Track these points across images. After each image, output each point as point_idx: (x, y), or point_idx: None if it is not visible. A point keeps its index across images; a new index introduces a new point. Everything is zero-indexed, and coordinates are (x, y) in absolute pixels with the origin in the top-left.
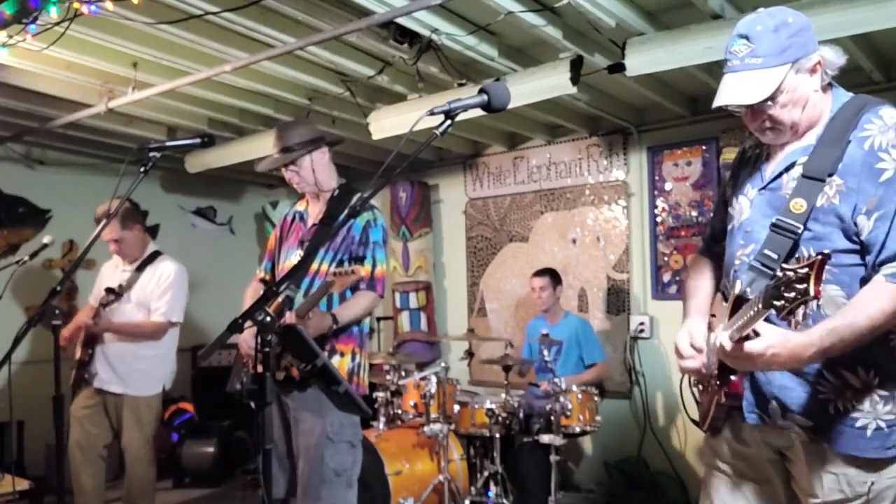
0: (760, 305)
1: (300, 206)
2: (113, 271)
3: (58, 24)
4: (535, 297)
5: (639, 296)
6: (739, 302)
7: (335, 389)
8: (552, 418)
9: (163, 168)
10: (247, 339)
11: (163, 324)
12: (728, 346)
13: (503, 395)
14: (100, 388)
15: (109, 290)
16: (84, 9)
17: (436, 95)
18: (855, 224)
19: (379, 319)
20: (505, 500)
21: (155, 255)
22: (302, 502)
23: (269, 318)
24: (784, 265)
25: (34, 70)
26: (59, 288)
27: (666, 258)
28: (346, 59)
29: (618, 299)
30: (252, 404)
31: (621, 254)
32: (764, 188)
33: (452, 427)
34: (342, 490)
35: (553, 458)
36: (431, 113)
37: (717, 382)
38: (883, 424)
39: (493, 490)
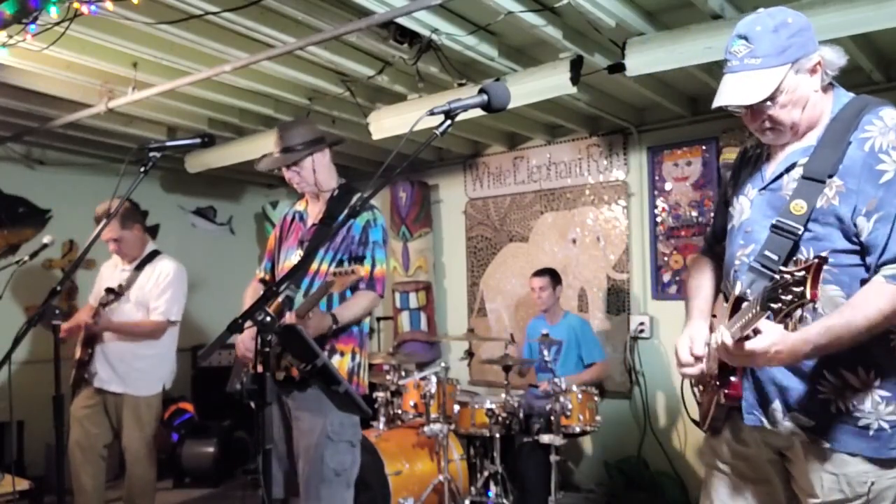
0: (758, 308)
1: (300, 206)
2: (112, 271)
3: (58, 24)
4: (534, 296)
5: (639, 296)
6: (739, 303)
7: (335, 389)
8: (552, 418)
9: (163, 168)
10: (244, 340)
11: (161, 322)
12: (730, 343)
13: (503, 395)
14: (100, 387)
15: (110, 290)
16: (84, 9)
17: (436, 95)
18: (855, 225)
19: (379, 319)
20: (505, 500)
21: (154, 255)
22: (302, 502)
23: (269, 318)
24: (782, 268)
25: (34, 70)
26: (59, 288)
27: (666, 258)
28: (346, 59)
29: (618, 299)
30: (252, 404)
31: (621, 254)
32: (764, 188)
33: (452, 427)
34: (341, 490)
35: (553, 458)
36: (431, 113)
37: (717, 383)
38: (886, 425)
39: (493, 490)
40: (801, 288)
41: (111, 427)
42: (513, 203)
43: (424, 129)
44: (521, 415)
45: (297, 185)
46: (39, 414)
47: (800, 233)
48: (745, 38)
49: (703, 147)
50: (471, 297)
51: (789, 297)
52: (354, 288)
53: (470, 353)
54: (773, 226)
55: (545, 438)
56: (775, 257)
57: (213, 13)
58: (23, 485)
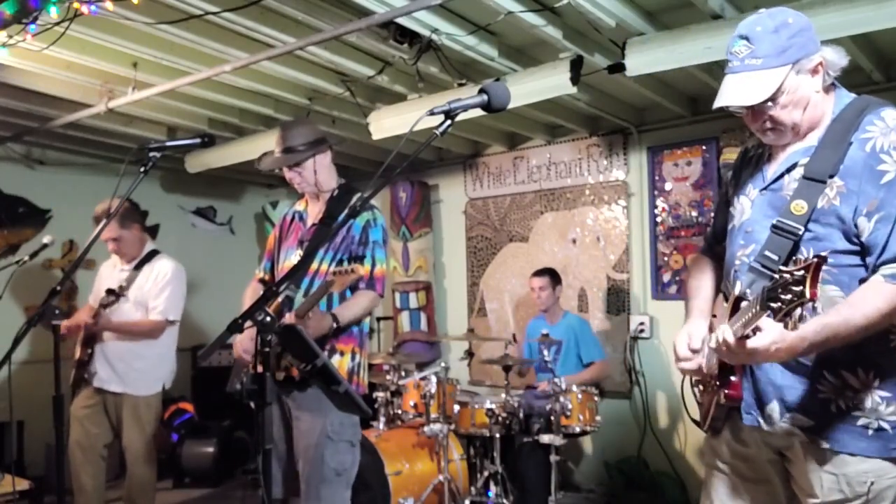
0: (758, 307)
1: (299, 206)
2: (111, 271)
3: (58, 24)
4: (534, 296)
5: (639, 296)
6: (739, 303)
7: (335, 389)
8: (552, 418)
9: (163, 168)
10: (242, 341)
11: (160, 322)
12: (731, 341)
13: (503, 395)
14: (99, 387)
15: (110, 292)
16: (84, 9)
17: (436, 95)
18: (856, 226)
19: (379, 319)
20: (505, 500)
21: (153, 254)
22: (302, 502)
23: (268, 318)
24: (781, 267)
25: (34, 70)
26: (59, 288)
27: (666, 258)
28: (346, 59)
29: (618, 299)
30: (252, 404)
31: (621, 254)
32: (765, 188)
33: (452, 427)
34: (341, 490)
35: (553, 458)
36: (431, 113)
37: (717, 383)
38: (886, 426)
39: (493, 490)
40: (801, 287)
41: (111, 427)
42: (513, 203)
43: (424, 129)
44: (521, 415)
45: (298, 185)
46: (39, 414)
47: (800, 233)
48: (747, 39)
49: (703, 147)
50: (471, 297)
51: (789, 297)
52: (354, 288)
53: (470, 353)
54: (774, 226)
55: (545, 438)
56: (775, 257)
57: (213, 13)
58: (23, 485)
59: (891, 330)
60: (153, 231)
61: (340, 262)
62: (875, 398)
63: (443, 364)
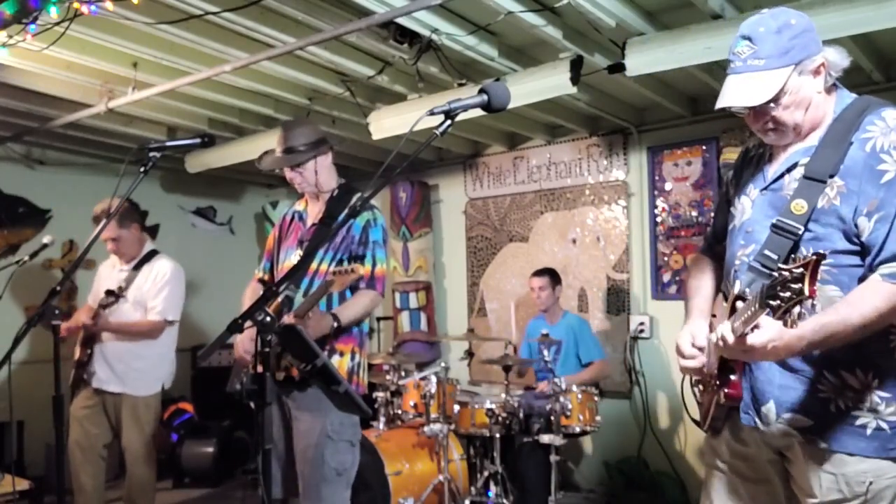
0: (757, 305)
1: (299, 206)
2: (110, 271)
3: (58, 24)
4: (534, 296)
5: (639, 296)
6: (738, 302)
7: (335, 389)
8: (552, 418)
9: (163, 168)
10: (242, 341)
11: (159, 322)
12: (731, 339)
13: (503, 395)
14: (98, 387)
15: (109, 292)
16: (84, 9)
17: (436, 95)
18: (856, 225)
19: (379, 319)
20: (505, 500)
21: (152, 254)
22: (302, 502)
23: (268, 319)
24: (780, 265)
25: (34, 70)
26: (59, 288)
27: (666, 258)
28: (346, 59)
29: (618, 299)
30: (252, 404)
31: (621, 254)
32: (766, 188)
33: (452, 427)
34: (342, 490)
35: (553, 458)
36: (431, 113)
37: (717, 382)
38: (885, 426)
39: (493, 490)
40: (800, 285)
41: (110, 427)
42: (513, 203)
43: (424, 129)
44: (521, 415)
45: (299, 185)
46: (39, 414)
47: (800, 232)
48: (749, 39)
49: (703, 147)
50: (471, 297)
51: (787, 294)
52: (355, 288)
53: (470, 353)
54: (774, 225)
55: (545, 438)
56: (775, 257)
57: (213, 13)
58: (23, 485)
59: (890, 330)
60: (153, 231)
61: (340, 262)
62: (874, 398)
63: (443, 364)
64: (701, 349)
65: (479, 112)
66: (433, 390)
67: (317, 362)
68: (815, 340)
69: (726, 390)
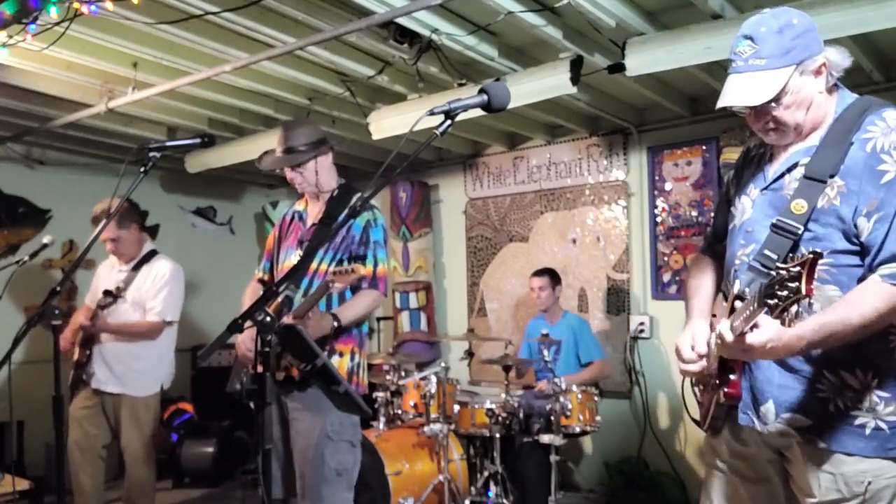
0: (755, 304)
1: (299, 206)
2: (109, 271)
3: (58, 24)
4: (534, 296)
5: (639, 296)
6: (738, 301)
7: (335, 389)
8: (552, 418)
9: (163, 168)
10: (244, 340)
11: (157, 323)
12: (730, 338)
13: (503, 395)
14: (97, 388)
15: (107, 293)
16: (84, 9)
17: (436, 95)
18: (855, 226)
19: (379, 319)
20: (505, 500)
21: (151, 255)
22: (302, 502)
23: (268, 319)
24: (779, 264)
25: (34, 70)
26: (58, 288)
27: (666, 258)
28: (346, 59)
29: (618, 299)
30: (252, 404)
31: (621, 254)
32: (766, 188)
33: (452, 427)
34: (342, 490)
35: (553, 458)
36: (431, 113)
37: (717, 382)
38: (884, 426)
39: (493, 490)
40: (797, 284)
41: (109, 428)
42: (513, 203)
43: (424, 129)
44: (521, 415)
45: (299, 185)
46: (39, 414)
47: (800, 232)
48: (751, 39)
49: (703, 147)
50: (471, 297)
51: (785, 293)
52: (356, 288)
53: (470, 353)
54: (774, 225)
55: (545, 438)
56: (775, 256)
57: (213, 13)
58: (23, 485)
59: (890, 330)
60: (153, 231)
61: (340, 262)
62: (874, 398)
63: (443, 364)
64: (701, 356)
65: (479, 112)
66: (433, 390)
67: (317, 362)
68: (814, 340)
69: (726, 390)
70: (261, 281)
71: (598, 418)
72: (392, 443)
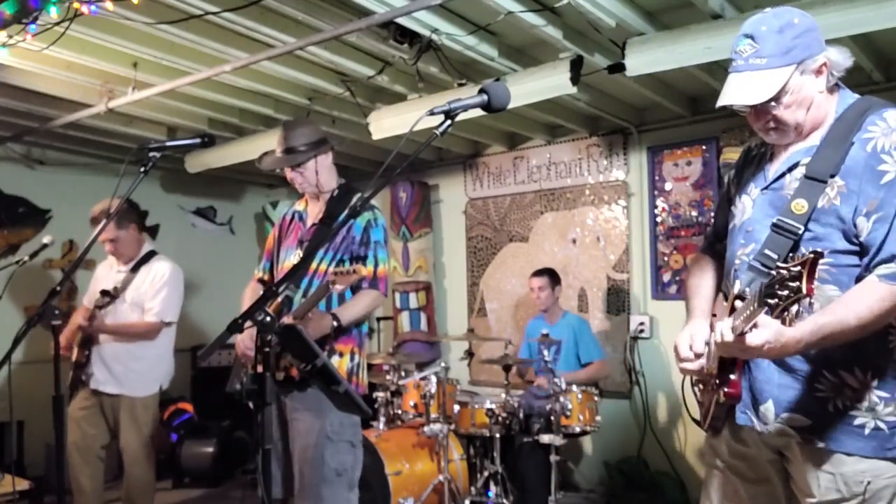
0: (756, 304)
1: (299, 206)
2: (108, 272)
3: (58, 24)
4: (533, 297)
5: (639, 296)
6: (738, 301)
7: (335, 389)
8: (552, 418)
9: (163, 168)
10: (243, 339)
11: (155, 324)
12: (730, 338)
13: (503, 395)
14: (96, 388)
15: (105, 293)
16: (84, 9)
17: (436, 95)
18: (855, 226)
19: (379, 319)
20: (505, 500)
21: (150, 255)
22: (302, 503)
23: (268, 319)
24: (779, 264)
25: (34, 70)
26: (58, 288)
27: (666, 258)
28: (346, 59)
29: (618, 299)
30: (251, 404)
31: (621, 254)
32: (766, 188)
33: (452, 427)
34: (343, 491)
35: (553, 458)
36: (431, 113)
37: (717, 381)
38: (883, 426)
39: (493, 490)
40: (798, 283)
41: (108, 428)
42: (513, 203)
43: (424, 129)
44: (521, 415)
45: (299, 185)
46: (39, 414)
47: (800, 232)
48: (751, 38)
49: (703, 147)
50: (471, 297)
51: (786, 293)
52: (356, 288)
53: (470, 353)
54: (774, 225)
55: (545, 438)
56: (775, 256)
57: (213, 13)
58: (23, 485)
59: (889, 330)
60: (153, 231)
61: (341, 263)
62: (873, 398)
63: (443, 364)
64: (699, 355)
65: (479, 112)
66: (433, 390)
67: (317, 362)
68: (812, 341)
69: (726, 389)
70: (261, 281)
71: (598, 418)
72: (392, 443)
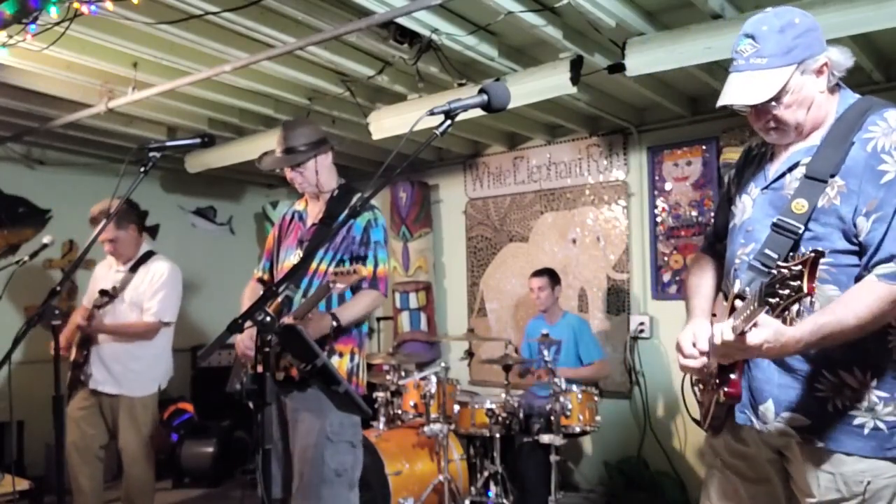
0: (756, 303)
1: (299, 206)
2: (107, 272)
3: (58, 24)
4: (533, 297)
5: (639, 296)
6: (738, 301)
7: (335, 389)
8: (552, 418)
9: (163, 168)
10: (243, 339)
11: (154, 324)
12: (730, 337)
13: (503, 395)
14: (95, 388)
15: (103, 293)
16: (84, 9)
17: (436, 95)
18: (854, 225)
19: (379, 319)
20: (505, 500)
21: (148, 255)
22: (302, 503)
23: (268, 319)
24: (780, 263)
25: (34, 70)
26: (58, 288)
27: (666, 258)
28: (346, 59)
29: (618, 299)
30: (251, 404)
31: (621, 254)
32: (767, 187)
33: (452, 427)
34: (343, 491)
35: (553, 458)
36: (431, 113)
37: (717, 381)
38: (883, 426)
39: (493, 490)
40: (798, 282)
41: (107, 428)
42: (513, 203)
43: (424, 129)
44: (521, 415)
45: (299, 185)
46: (39, 414)
47: (800, 232)
48: (752, 38)
49: (704, 147)
50: (471, 297)
51: (786, 292)
52: (356, 288)
53: (470, 353)
54: (774, 224)
55: (545, 438)
56: (775, 256)
57: (213, 13)
58: (23, 485)
59: (888, 330)
60: (153, 231)
61: (341, 263)
62: (872, 398)
63: (443, 364)
64: (702, 353)
65: (479, 112)
66: (433, 390)
67: (317, 362)
68: (812, 340)
69: (726, 389)
70: (260, 280)
71: (598, 418)
72: (392, 443)
